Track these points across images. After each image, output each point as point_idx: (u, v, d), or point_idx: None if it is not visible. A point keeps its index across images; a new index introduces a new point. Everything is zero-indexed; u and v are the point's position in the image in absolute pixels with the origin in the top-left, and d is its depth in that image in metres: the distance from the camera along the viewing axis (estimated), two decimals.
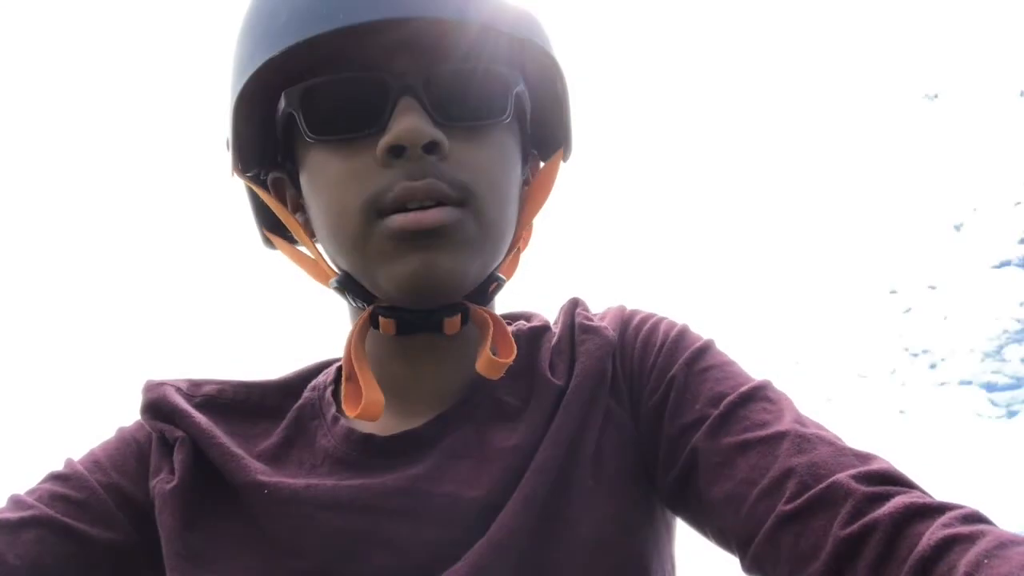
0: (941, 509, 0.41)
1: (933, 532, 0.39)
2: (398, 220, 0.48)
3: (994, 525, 0.40)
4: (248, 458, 0.54)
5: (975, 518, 0.40)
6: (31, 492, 0.54)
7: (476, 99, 0.50)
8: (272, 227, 0.60)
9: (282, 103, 0.51)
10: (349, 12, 0.46)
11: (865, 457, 0.46)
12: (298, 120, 0.50)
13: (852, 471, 0.44)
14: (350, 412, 0.51)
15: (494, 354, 0.53)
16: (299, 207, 0.57)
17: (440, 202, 0.48)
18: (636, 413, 0.57)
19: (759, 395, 0.52)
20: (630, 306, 0.64)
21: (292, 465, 0.55)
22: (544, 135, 0.60)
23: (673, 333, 0.58)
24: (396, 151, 0.47)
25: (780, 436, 0.48)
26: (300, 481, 0.52)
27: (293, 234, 0.57)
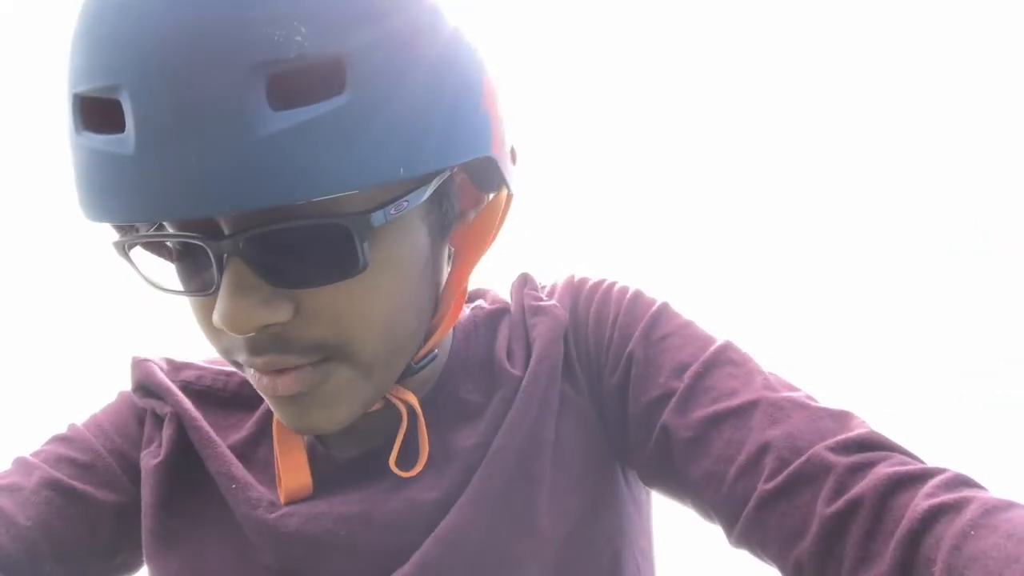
0: (924, 476, 0.40)
1: (918, 503, 0.38)
2: (257, 382, 0.44)
3: (977, 487, 0.40)
4: (223, 447, 0.54)
5: (958, 483, 0.40)
6: (36, 454, 0.54)
7: (318, 260, 0.40)
8: None
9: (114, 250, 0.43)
10: (165, 208, 0.35)
11: (840, 418, 0.45)
12: (135, 270, 0.43)
13: (830, 440, 0.43)
14: (281, 496, 0.50)
15: (403, 462, 0.50)
16: None
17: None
18: (595, 394, 0.55)
19: (723, 359, 0.50)
20: (579, 274, 0.60)
21: (260, 464, 0.55)
22: (484, 176, 0.48)
23: (625, 302, 0.55)
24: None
25: (751, 405, 0.47)
26: (265, 486, 0.53)
27: None
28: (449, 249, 0.50)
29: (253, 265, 0.38)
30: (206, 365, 0.61)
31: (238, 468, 0.53)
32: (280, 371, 0.42)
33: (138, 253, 0.44)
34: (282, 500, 0.51)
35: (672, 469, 0.50)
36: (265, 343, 0.41)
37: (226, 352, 0.44)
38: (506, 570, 0.49)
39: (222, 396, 0.59)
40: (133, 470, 0.55)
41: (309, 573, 0.50)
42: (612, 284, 0.58)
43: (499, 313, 0.59)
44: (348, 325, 0.41)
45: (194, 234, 0.39)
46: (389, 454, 0.50)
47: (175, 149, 0.33)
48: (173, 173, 0.34)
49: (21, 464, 0.53)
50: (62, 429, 0.57)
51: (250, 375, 0.44)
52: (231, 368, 0.58)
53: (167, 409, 0.55)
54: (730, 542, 0.48)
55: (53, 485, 0.52)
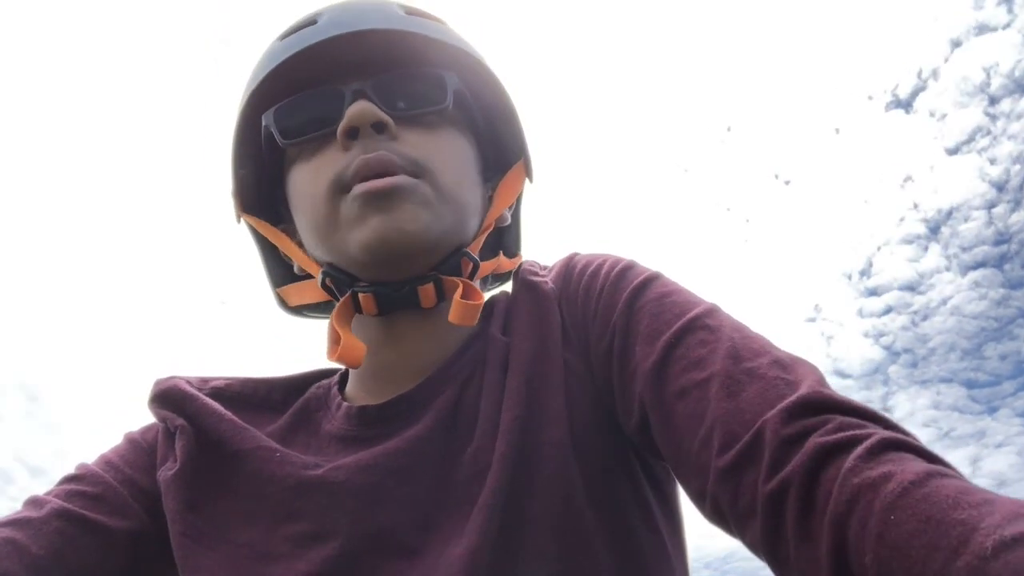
0: (849, 445, 0.39)
1: (843, 482, 0.37)
2: (359, 187, 0.54)
3: (902, 451, 0.38)
4: (256, 431, 0.58)
5: (882, 447, 0.38)
6: (48, 493, 0.57)
7: (417, 93, 0.58)
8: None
9: (263, 123, 0.59)
10: (304, 41, 0.57)
11: (792, 378, 0.45)
12: (273, 132, 0.58)
13: (776, 408, 0.42)
14: (331, 356, 0.57)
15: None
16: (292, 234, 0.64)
17: (395, 173, 0.54)
18: (588, 364, 0.56)
19: (696, 326, 0.50)
20: (580, 253, 0.64)
21: (299, 445, 0.59)
22: (507, 156, 0.66)
23: (614, 273, 0.57)
24: (351, 133, 0.55)
25: (712, 378, 0.47)
26: (307, 454, 0.57)
27: (292, 257, 0.64)
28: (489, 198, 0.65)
29: (372, 98, 0.56)
30: (235, 376, 0.65)
31: (276, 444, 0.57)
32: (381, 177, 0.54)
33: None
34: (334, 357, 0.57)
35: (653, 442, 0.51)
36: (378, 147, 0.55)
37: (340, 175, 0.55)
38: (536, 528, 0.51)
39: (252, 401, 0.64)
40: (145, 497, 0.57)
41: (348, 528, 0.52)
42: (606, 258, 0.61)
43: (499, 296, 0.65)
44: (431, 154, 0.57)
45: (335, 85, 0.57)
46: (417, 399, 0.57)
47: (351, 17, 0.57)
48: (349, 20, 0.57)
49: (32, 501, 0.56)
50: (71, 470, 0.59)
51: (355, 190, 0.54)
52: (259, 377, 0.66)
53: (179, 422, 0.58)
54: (705, 517, 0.48)
55: (64, 516, 0.54)
